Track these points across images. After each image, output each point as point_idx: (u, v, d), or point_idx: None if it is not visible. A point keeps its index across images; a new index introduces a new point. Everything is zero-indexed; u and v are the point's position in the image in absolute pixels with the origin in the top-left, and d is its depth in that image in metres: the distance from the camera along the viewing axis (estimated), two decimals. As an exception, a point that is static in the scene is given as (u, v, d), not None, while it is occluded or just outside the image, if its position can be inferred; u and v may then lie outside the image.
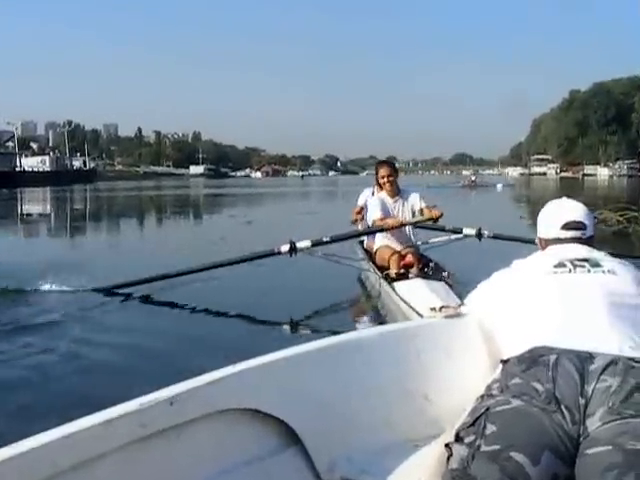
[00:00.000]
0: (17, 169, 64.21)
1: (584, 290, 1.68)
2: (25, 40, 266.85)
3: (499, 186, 42.20)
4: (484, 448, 1.39)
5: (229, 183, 70.85)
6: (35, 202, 31.16)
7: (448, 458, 1.46)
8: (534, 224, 1.97)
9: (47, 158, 74.14)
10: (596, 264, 1.75)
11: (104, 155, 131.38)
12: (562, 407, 1.42)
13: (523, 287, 1.77)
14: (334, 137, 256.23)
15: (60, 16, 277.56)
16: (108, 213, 23.62)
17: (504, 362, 1.63)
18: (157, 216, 21.36)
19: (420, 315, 3.48)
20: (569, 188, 40.84)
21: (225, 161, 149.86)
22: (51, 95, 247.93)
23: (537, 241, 1.96)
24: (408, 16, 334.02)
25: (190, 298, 5.72)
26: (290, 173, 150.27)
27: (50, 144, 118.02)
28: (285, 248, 5.47)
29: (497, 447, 1.37)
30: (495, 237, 5.88)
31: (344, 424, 1.60)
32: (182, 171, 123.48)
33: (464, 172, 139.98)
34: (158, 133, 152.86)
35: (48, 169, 68.72)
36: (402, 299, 4.35)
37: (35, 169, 67.30)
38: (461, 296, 3.17)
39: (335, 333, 1.88)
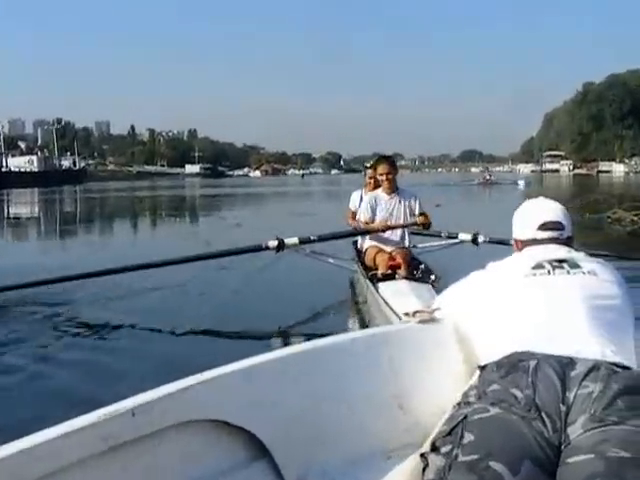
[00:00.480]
0: (3, 169, 64.32)
1: (564, 292, 1.69)
2: (13, 35, 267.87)
3: (521, 183, 41.02)
4: (462, 458, 1.39)
5: (226, 183, 71.01)
6: (22, 205, 31.21)
7: (424, 469, 1.47)
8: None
9: (35, 158, 74.33)
10: (575, 265, 1.76)
11: (95, 154, 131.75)
12: (542, 414, 1.43)
13: (500, 290, 1.78)
14: (336, 134, 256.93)
15: (48, 11, 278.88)
16: (93, 216, 23.66)
17: (481, 368, 1.64)
18: (143, 219, 21.42)
19: (400, 318, 3.50)
20: (583, 185, 40.84)
21: (222, 160, 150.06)
22: (40, 92, 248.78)
23: (512, 242, 1.98)
24: (411, 3, 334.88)
25: (163, 302, 5.83)
26: (290, 172, 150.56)
27: (39, 143, 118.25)
28: (272, 244, 5.64)
29: (475, 457, 1.37)
30: (491, 242, 5.95)
31: (315, 435, 1.60)
32: (177, 170, 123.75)
33: (473, 169, 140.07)
34: (152, 131, 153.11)
35: (36, 169, 68.89)
36: (385, 301, 4.39)
37: (22, 169, 67.44)
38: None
39: (313, 339, 1.87)
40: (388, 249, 5.39)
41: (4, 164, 67.34)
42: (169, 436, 1.39)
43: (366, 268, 5.46)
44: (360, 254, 5.84)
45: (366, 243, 5.65)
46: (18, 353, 4.48)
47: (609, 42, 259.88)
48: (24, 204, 31.84)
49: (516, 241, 1.95)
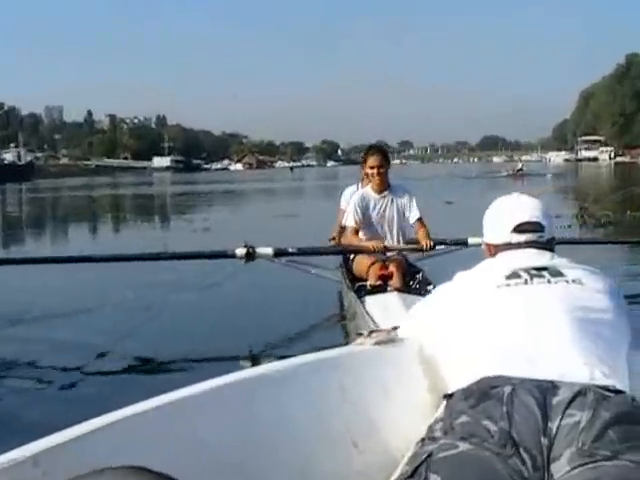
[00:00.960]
0: None
1: (544, 305, 1.71)
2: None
3: (548, 176, 39.76)
4: None
5: (202, 178, 71.03)
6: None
7: None
8: None
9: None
10: (558, 273, 1.78)
11: (45, 146, 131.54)
12: (520, 450, 1.44)
13: (469, 304, 1.80)
14: (333, 119, 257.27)
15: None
16: (39, 220, 23.50)
17: (448, 397, 1.65)
18: (99, 224, 21.32)
19: None
20: (625, 177, 40.90)
21: (197, 151, 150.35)
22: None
23: (484, 247, 1.99)
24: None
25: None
26: (279, 164, 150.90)
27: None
28: (240, 252, 5.57)
29: None
30: None
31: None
32: (144, 164, 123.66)
33: (495, 159, 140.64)
34: (113, 117, 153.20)
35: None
36: (371, 317, 4.40)
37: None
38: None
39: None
40: (380, 255, 5.40)
41: None
42: None
43: (355, 278, 5.47)
44: (347, 261, 5.86)
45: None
46: None
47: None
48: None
49: (488, 245, 1.99)
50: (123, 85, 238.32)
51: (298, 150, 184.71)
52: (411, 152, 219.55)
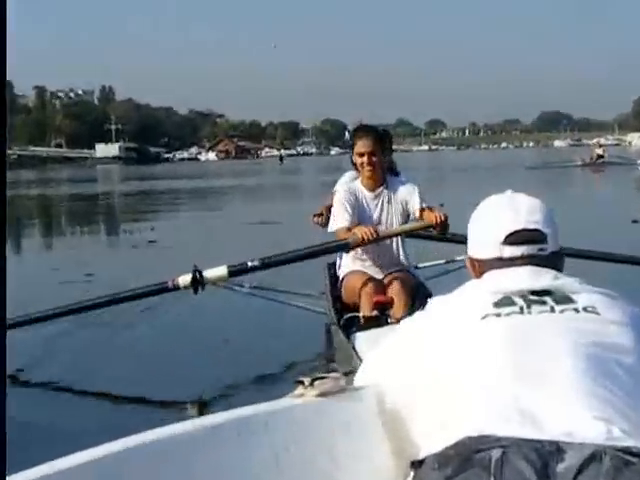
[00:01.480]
0: None
1: (545, 341, 1.70)
2: None
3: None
4: None
5: (162, 172, 70.71)
6: None
7: None
8: None
9: None
10: (564, 298, 1.77)
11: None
12: None
13: (445, 342, 1.79)
14: (338, 92, 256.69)
15: None
16: None
17: (417, 464, 1.66)
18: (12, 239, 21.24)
19: None
20: None
21: (156, 135, 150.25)
22: None
23: (467, 264, 1.99)
24: None
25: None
26: (266, 152, 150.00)
27: None
28: (184, 280, 5.60)
29: None
30: (569, 254, 5.95)
31: None
32: (84, 153, 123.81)
33: (557, 143, 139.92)
34: (42, 90, 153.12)
35: None
36: (360, 360, 4.41)
37: None
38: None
39: None
40: (377, 273, 5.44)
41: None
42: None
43: (344, 307, 5.48)
44: (336, 283, 5.79)
45: (344, 266, 5.64)
46: None
47: None
48: None
49: (472, 261, 1.96)
50: (54, 48, 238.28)
51: (292, 132, 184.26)
52: (443, 134, 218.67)
